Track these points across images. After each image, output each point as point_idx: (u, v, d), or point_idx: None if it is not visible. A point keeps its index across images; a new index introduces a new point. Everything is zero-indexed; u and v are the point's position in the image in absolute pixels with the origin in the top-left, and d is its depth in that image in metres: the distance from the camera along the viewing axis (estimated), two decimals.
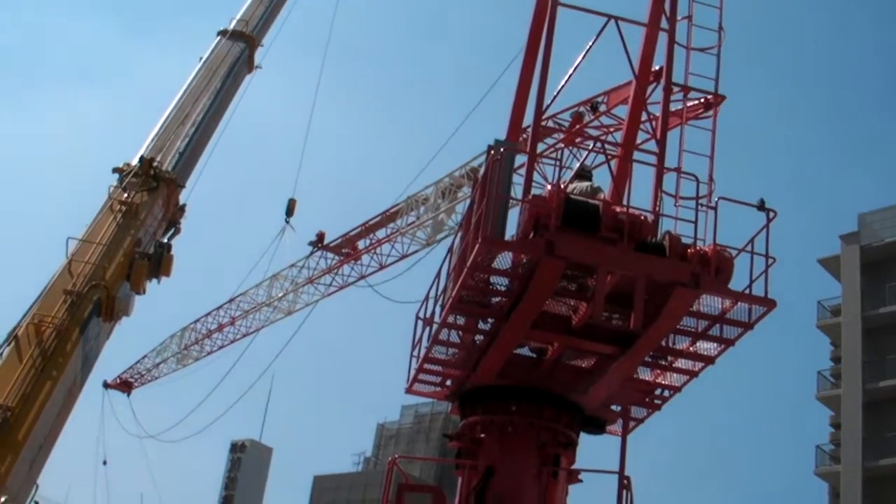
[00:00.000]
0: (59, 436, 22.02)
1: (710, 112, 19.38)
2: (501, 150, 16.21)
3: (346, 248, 49.99)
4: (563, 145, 22.46)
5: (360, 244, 49.29)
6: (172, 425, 57.91)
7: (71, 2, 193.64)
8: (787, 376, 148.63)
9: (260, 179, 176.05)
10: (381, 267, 47.98)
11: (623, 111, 23.51)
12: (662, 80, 18.34)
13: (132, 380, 63.82)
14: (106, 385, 62.52)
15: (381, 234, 47.97)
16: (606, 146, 19.25)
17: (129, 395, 63.72)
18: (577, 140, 22.28)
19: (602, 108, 24.45)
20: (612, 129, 24.21)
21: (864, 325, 63.78)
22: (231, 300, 56.56)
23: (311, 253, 51.40)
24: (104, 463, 59.18)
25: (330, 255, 50.82)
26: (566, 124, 23.42)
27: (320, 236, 50.74)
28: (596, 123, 24.47)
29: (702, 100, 20.23)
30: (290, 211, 50.01)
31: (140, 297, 26.26)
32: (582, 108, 24.30)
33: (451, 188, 43.86)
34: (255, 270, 54.74)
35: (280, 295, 53.95)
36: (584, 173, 17.75)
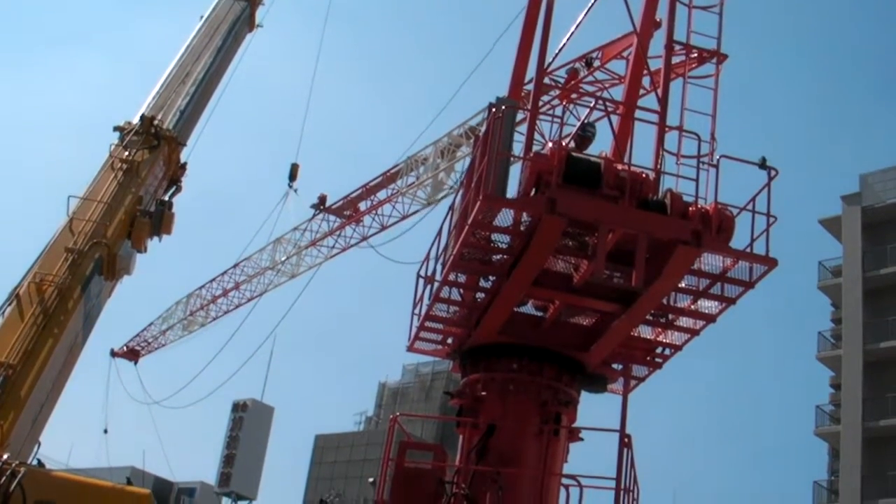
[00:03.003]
0: (60, 394, 22.04)
1: (706, 71, 19.33)
2: (503, 107, 16.19)
3: (348, 210, 50.00)
4: (560, 102, 22.41)
5: (362, 206, 49.29)
6: (177, 391, 58.15)
7: None
8: (788, 336, 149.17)
9: (263, 142, 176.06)
10: (383, 228, 48.05)
11: (617, 66, 23.46)
12: (660, 35, 18.30)
13: (139, 348, 64.00)
14: (113, 354, 62.72)
15: (381, 195, 47.98)
16: (606, 103, 19.14)
17: (136, 363, 63.89)
18: (574, 96, 22.21)
19: (596, 63, 24.33)
20: (607, 85, 24.16)
21: (864, 286, 63.84)
22: (235, 265, 56.74)
23: (314, 216, 51.45)
24: (105, 431, 59.44)
25: (332, 217, 50.85)
26: (562, 81, 23.29)
27: (322, 199, 50.74)
28: (591, 79, 24.37)
29: (695, 54, 20.16)
30: (293, 175, 49.97)
31: (147, 265, 26.28)
32: (577, 64, 24.18)
33: (450, 147, 43.84)
34: (258, 235, 54.87)
35: (283, 259, 54.00)
36: (586, 133, 17.63)
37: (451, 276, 17.30)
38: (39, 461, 19.43)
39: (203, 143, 32.08)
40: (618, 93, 21.68)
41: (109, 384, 60.24)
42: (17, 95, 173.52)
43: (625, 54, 21.21)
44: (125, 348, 63.53)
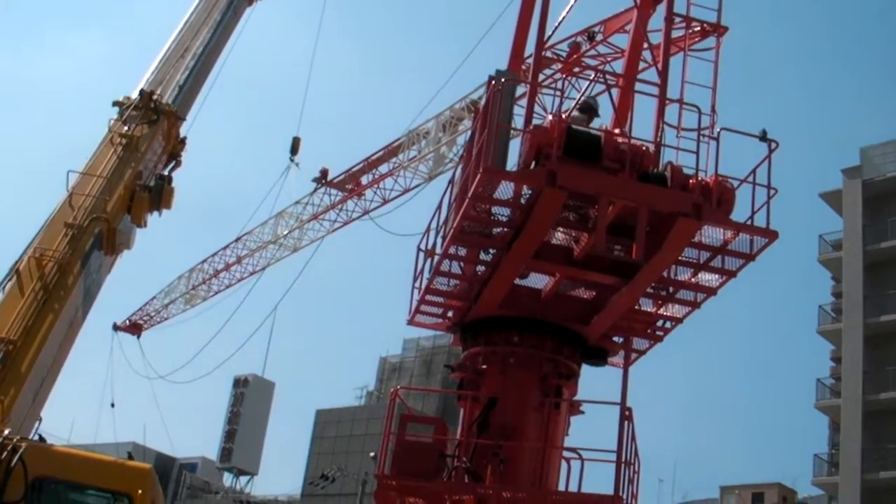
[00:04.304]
0: (61, 369, 22.03)
1: (707, 44, 19.27)
2: (502, 80, 16.14)
3: (350, 184, 49.95)
4: (562, 75, 22.35)
5: (364, 179, 49.24)
6: (182, 366, 58.17)
7: None
8: (789, 310, 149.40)
9: (264, 116, 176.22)
10: (385, 202, 47.99)
11: (619, 39, 23.43)
12: (663, 7, 18.22)
13: (141, 321, 64.03)
14: (115, 327, 62.75)
15: (383, 168, 47.97)
16: (606, 76, 19.07)
17: (138, 336, 63.94)
18: (576, 70, 22.14)
19: (599, 37, 24.37)
20: (609, 58, 24.15)
21: (865, 260, 63.75)
22: (237, 239, 56.63)
23: (316, 189, 51.39)
24: (112, 405, 59.40)
25: (334, 191, 50.79)
26: (564, 55, 23.27)
27: (324, 173, 50.67)
28: (593, 53, 24.36)
29: (698, 28, 20.10)
30: (294, 149, 49.67)
31: (150, 240, 26.23)
32: (579, 38, 24.17)
33: (451, 121, 43.80)
34: (260, 209, 54.79)
35: (285, 232, 53.93)
36: (588, 107, 17.59)
37: (452, 250, 17.28)
38: (40, 436, 19.44)
39: (203, 118, 32.01)
40: (620, 67, 21.63)
41: (112, 358, 60.30)
42: (18, 70, 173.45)
43: (627, 28, 21.13)
44: (127, 322, 63.56)
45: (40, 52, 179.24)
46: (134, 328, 63.79)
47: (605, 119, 17.81)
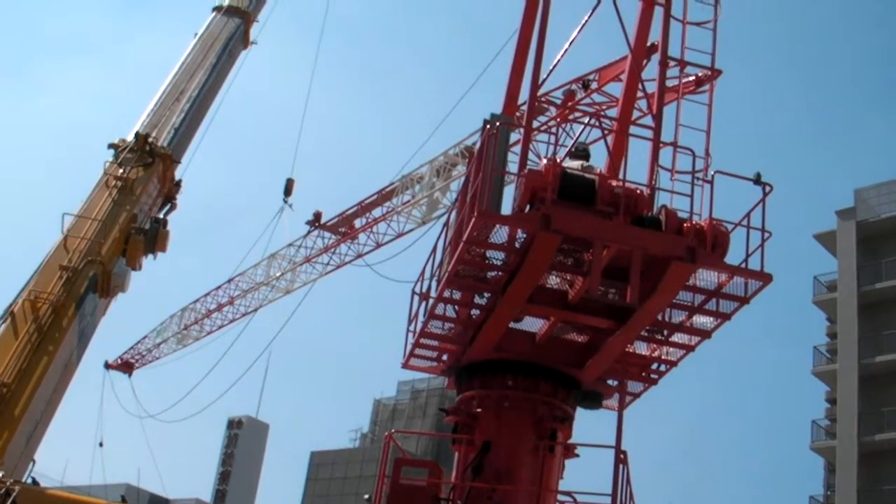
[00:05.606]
0: (55, 411, 22.03)
1: (702, 89, 19.36)
2: (497, 123, 16.20)
3: (343, 227, 49.93)
4: (556, 121, 22.42)
5: (357, 223, 49.22)
6: (172, 405, 57.94)
7: None
8: (783, 351, 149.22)
9: (259, 157, 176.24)
10: (378, 246, 47.90)
11: (614, 88, 23.48)
12: (656, 56, 18.32)
13: (133, 360, 63.88)
14: (107, 366, 62.60)
15: (377, 212, 47.89)
16: (602, 120, 19.14)
17: (130, 375, 63.80)
18: (571, 116, 22.22)
19: (593, 85, 24.41)
20: (604, 107, 24.20)
21: (860, 301, 63.76)
22: (230, 280, 56.60)
23: (309, 232, 51.38)
24: (100, 445, 59.11)
25: (327, 234, 50.78)
26: (556, 100, 23.36)
27: (317, 215, 50.69)
28: (588, 101, 24.42)
29: (693, 77, 20.20)
30: (288, 191, 49.93)
31: (142, 279, 26.30)
32: (574, 86, 24.24)
33: (445, 166, 43.84)
34: (253, 250, 54.80)
35: (278, 274, 53.87)
36: (580, 152, 17.69)
37: (446, 293, 17.26)
38: (34, 479, 19.42)
39: (199, 159, 32.19)
40: (615, 114, 21.71)
41: (104, 397, 60.11)
42: (14, 106, 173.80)
43: (622, 77, 21.19)
44: (119, 360, 63.44)
45: (36, 84, 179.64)
46: (125, 367, 63.69)
47: (599, 163, 17.89)
